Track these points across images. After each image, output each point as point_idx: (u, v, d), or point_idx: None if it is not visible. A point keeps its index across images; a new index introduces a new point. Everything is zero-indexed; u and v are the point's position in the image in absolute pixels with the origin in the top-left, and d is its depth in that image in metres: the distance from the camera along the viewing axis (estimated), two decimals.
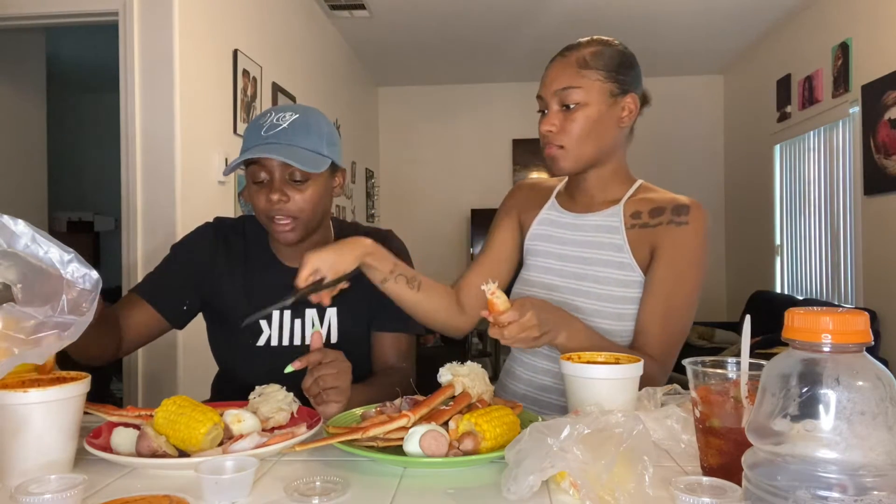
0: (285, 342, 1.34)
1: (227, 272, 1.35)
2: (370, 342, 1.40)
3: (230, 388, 1.33)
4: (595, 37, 1.27)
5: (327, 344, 1.33)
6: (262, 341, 1.33)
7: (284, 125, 1.23)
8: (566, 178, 1.40)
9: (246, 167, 1.26)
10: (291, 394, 1.06)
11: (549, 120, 1.24)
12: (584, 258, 1.29)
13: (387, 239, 1.38)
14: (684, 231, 1.22)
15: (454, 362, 1.03)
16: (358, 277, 1.27)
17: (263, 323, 1.33)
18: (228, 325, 1.32)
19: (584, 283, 1.27)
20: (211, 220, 1.43)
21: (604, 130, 1.24)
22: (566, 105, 1.22)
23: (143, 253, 2.62)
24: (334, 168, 1.31)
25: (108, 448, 0.92)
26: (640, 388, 1.00)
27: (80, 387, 0.88)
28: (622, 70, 1.24)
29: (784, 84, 4.98)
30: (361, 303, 1.35)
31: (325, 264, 1.11)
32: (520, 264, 1.42)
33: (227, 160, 3.00)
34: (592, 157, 1.26)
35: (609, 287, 1.25)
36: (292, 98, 3.89)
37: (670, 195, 1.29)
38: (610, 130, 1.25)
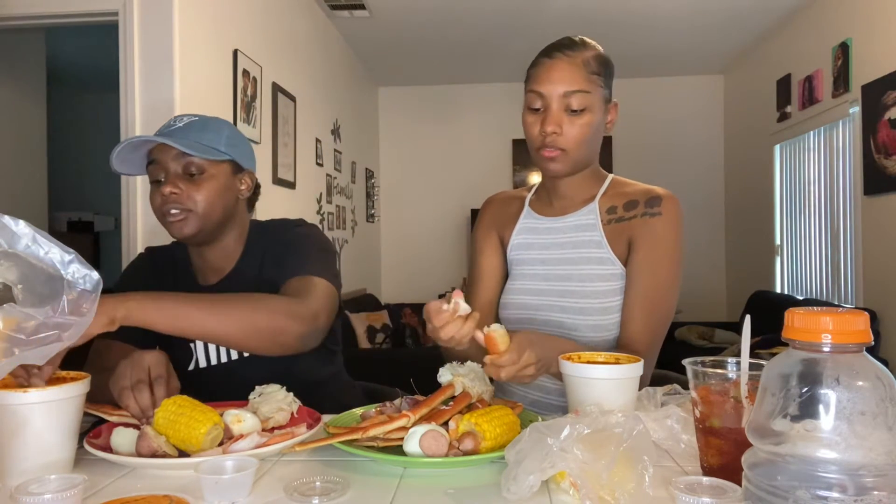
0: (213, 361, 1.31)
1: None
2: None
3: None
4: (583, 38, 1.26)
5: (235, 359, 1.30)
6: (192, 366, 1.31)
7: (180, 125, 1.23)
8: (536, 186, 1.42)
9: (147, 171, 1.27)
10: (291, 394, 1.06)
11: (553, 121, 1.22)
12: (566, 259, 1.30)
13: (298, 226, 1.36)
14: (658, 222, 1.24)
15: (454, 362, 1.03)
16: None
17: (193, 346, 1.30)
18: (171, 350, 1.22)
19: (569, 283, 1.28)
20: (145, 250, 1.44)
21: (597, 136, 1.27)
22: (572, 108, 1.21)
23: None
24: (239, 170, 1.30)
25: (108, 448, 0.92)
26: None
27: (79, 387, 0.88)
28: (611, 77, 1.27)
29: (784, 84, 4.98)
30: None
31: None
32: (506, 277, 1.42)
33: None
34: (585, 162, 1.29)
35: (593, 283, 1.26)
36: (292, 98, 3.89)
37: (643, 187, 1.30)
38: (600, 136, 1.28)
